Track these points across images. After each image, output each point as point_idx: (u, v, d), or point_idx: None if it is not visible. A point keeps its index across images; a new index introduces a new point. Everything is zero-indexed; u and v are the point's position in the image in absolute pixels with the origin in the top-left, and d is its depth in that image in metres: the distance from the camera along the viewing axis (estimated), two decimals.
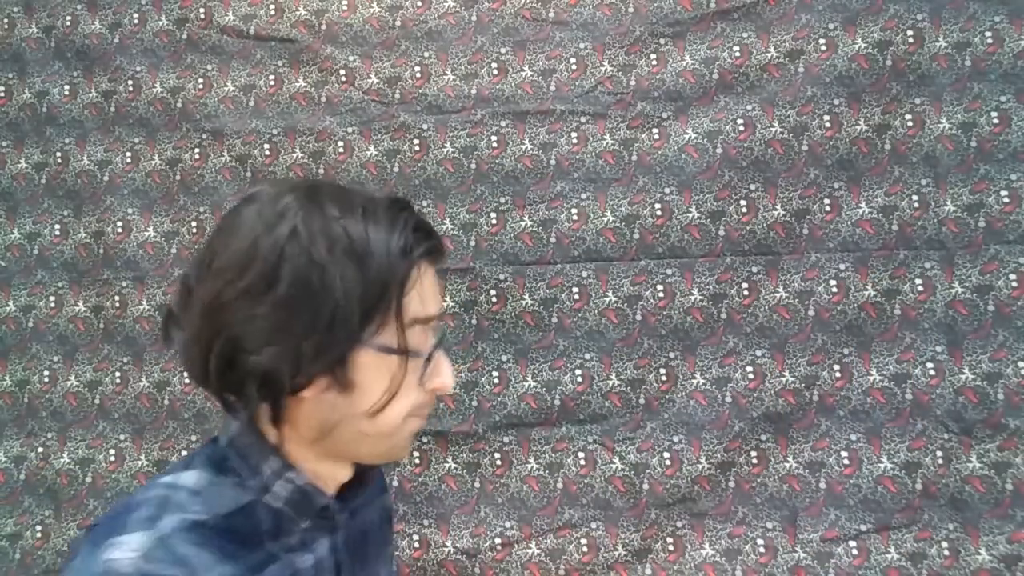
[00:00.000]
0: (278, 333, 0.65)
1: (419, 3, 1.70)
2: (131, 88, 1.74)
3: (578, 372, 1.57)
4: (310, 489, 0.73)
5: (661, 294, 1.57)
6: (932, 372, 1.48)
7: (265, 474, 0.71)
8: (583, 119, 1.63)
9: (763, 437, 1.51)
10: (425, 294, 0.71)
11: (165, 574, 0.61)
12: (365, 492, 0.82)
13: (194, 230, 1.69)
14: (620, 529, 1.52)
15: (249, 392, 0.66)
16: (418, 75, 1.68)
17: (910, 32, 1.55)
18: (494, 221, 1.62)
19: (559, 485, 1.54)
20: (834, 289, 1.52)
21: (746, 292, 1.55)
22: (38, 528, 1.64)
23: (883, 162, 1.54)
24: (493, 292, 1.60)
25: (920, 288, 1.50)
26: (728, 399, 1.53)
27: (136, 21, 1.76)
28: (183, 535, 0.64)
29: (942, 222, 1.51)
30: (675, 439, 1.54)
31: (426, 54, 1.68)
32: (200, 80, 1.73)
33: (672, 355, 1.55)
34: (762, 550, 1.49)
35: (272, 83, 1.71)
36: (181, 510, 0.66)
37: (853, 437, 1.49)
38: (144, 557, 0.61)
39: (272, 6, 1.73)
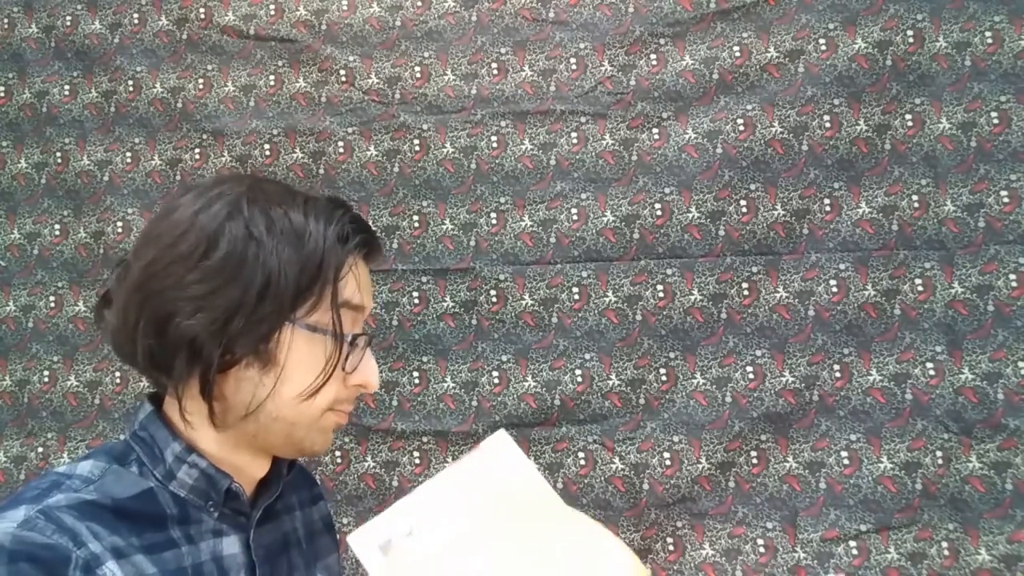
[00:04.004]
0: (209, 301, 0.65)
1: (419, 3, 1.70)
2: (131, 88, 1.74)
3: (578, 372, 1.57)
4: (213, 472, 0.70)
5: (661, 294, 1.57)
6: (932, 372, 1.48)
7: (168, 460, 0.69)
8: (583, 119, 1.63)
9: (763, 437, 1.52)
10: (359, 282, 0.74)
11: (44, 541, 0.59)
12: (283, 493, 0.80)
13: None
14: (620, 529, 1.52)
15: (177, 364, 0.66)
16: (418, 75, 1.68)
17: (910, 32, 1.55)
18: (494, 221, 1.62)
19: (559, 485, 1.54)
20: (834, 289, 1.52)
21: (746, 292, 1.55)
22: None
23: (883, 162, 1.54)
24: (493, 292, 1.60)
25: (920, 288, 1.50)
26: (728, 399, 1.53)
27: (136, 21, 1.76)
28: (70, 509, 0.62)
29: (942, 222, 1.51)
30: (675, 439, 1.54)
31: (426, 54, 1.68)
32: (200, 80, 1.73)
33: (672, 355, 1.55)
34: (762, 550, 1.49)
35: (272, 83, 1.71)
36: (73, 490, 0.64)
37: (853, 437, 1.49)
38: (22, 525, 0.59)
39: (272, 6, 1.73)
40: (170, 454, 0.70)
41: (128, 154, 1.73)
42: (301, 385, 0.69)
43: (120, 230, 1.71)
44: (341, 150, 1.67)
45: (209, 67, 1.73)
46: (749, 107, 1.58)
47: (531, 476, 0.84)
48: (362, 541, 0.70)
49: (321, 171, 1.67)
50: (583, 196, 1.61)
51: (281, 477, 0.79)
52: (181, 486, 0.70)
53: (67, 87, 1.77)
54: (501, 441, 0.83)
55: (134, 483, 0.68)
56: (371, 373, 0.74)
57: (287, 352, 0.68)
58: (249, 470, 0.75)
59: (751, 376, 1.53)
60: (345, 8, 1.72)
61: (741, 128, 1.58)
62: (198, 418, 0.71)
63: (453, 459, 1.58)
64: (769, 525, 1.49)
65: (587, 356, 1.57)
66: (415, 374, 1.61)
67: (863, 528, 1.46)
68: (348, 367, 0.72)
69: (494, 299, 1.60)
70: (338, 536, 0.93)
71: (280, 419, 0.70)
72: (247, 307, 0.65)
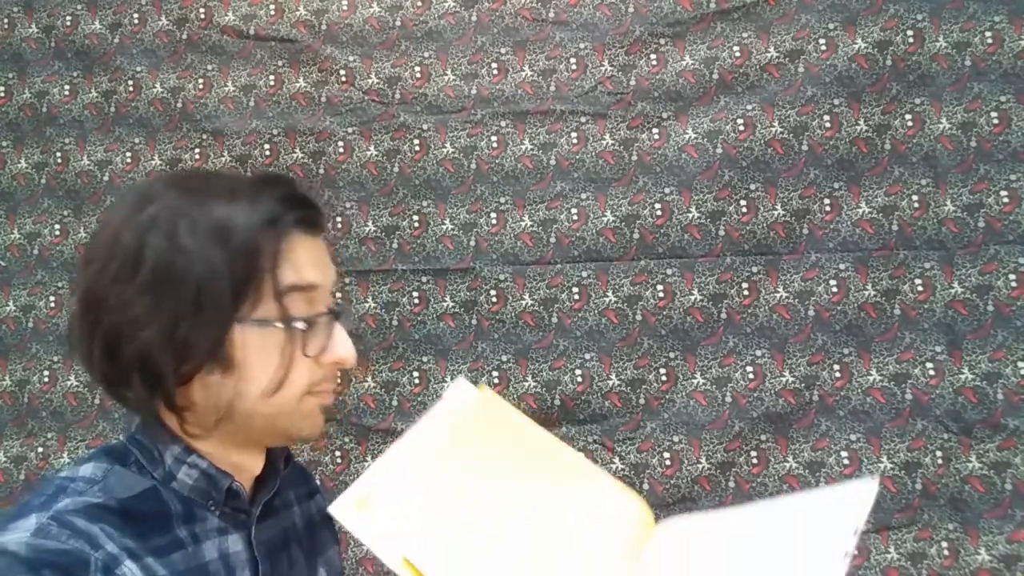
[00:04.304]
0: (149, 318, 0.64)
1: (419, 3, 1.70)
2: (131, 88, 1.74)
3: (578, 372, 1.57)
4: (214, 472, 0.70)
5: (661, 294, 1.57)
6: (932, 372, 1.48)
7: (167, 462, 0.69)
8: (583, 119, 1.63)
9: (763, 437, 1.52)
10: (300, 263, 0.69)
11: (60, 546, 0.58)
12: (280, 489, 0.79)
13: None
14: None
15: (134, 385, 0.66)
16: (418, 75, 1.68)
17: (910, 32, 1.55)
18: (494, 221, 1.62)
19: None
20: (834, 289, 1.52)
21: (746, 292, 1.55)
22: None
23: (883, 162, 1.54)
24: (493, 292, 1.60)
25: (920, 288, 1.50)
26: (728, 399, 1.53)
27: (136, 21, 1.76)
28: (81, 513, 0.62)
29: (942, 222, 1.51)
30: (675, 439, 1.54)
31: (426, 54, 1.68)
32: (200, 80, 1.73)
33: (672, 355, 1.56)
34: None
35: (272, 83, 1.71)
36: (79, 494, 0.64)
37: (853, 437, 1.49)
38: (36, 534, 0.59)
39: (272, 6, 1.73)
40: (169, 456, 0.70)
41: (128, 154, 1.73)
42: (264, 381, 0.67)
43: None
44: (341, 150, 1.67)
45: (209, 67, 1.73)
46: (749, 107, 1.58)
47: (511, 418, 0.83)
48: (340, 504, 0.68)
49: (321, 171, 1.67)
50: (583, 196, 1.61)
51: (278, 473, 0.79)
52: (181, 487, 0.69)
53: (67, 87, 1.77)
54: (462, 389, 0.81)
55: (137, 482, 0.68)
56: (342, 348, 0.71)
57: (243, 351, 0.67)
58: (246, 467, 0.74)
59: (751, 376, 1.53)
60: (345, 8, 1.72)
61: (741, 128, 1.58)
62: (199, 422, 0.70)
63: None
64: None
65: (587, 356, 1.57)
66: (415, 374, 1.61)
67: (863, 528, 1.46)
68: (311, 351, 0.69)
69: (494, 299, 1.60)
70: (338, 533, 0.93)
71: (256, 415, 0.69)
72: (186, 318, 0.64)
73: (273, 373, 0.67)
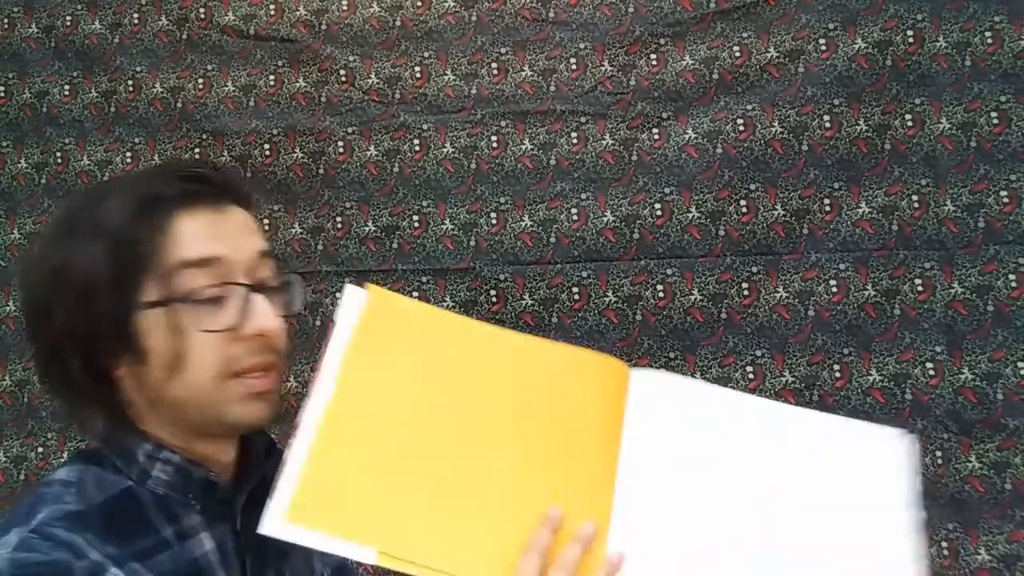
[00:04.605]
0: (59, 331, 0.67)
1: (419, 3, 1.70)
2: (131, 88, 1.74)
3: None
4: (187, 466, 0.69)
5: (661, 294, 1.57)
6: (932, 372, 1.48)
7: (140, 459, 0.69)
8: (583, 119, 1.63)
9: None
10: (189, 238, 0.67)
11: (43, 558, 0.58)
12: (268, 481, 0.75)
13: None
14: None
15: (73, 388, 0.69)
16: (418, 75, 1.68)
17: (910, 32, 1.55)
18: (494, 221, 1.62)
19: None
20: (834, 289, 1.52)
21: (746, 292, 1.55)
22: None
23: (883, 162, 1.54)
24: (493, 292, 1.60)
25: (920, 288, 1.50)
26: None
27: (136, 21, 1.76)
28: (61, 522, 0.62)
29: (942, 222, 1.51)
30: None
31: (426, 54, 1.68)
32: (200, 80, 1.73)
33: (672, 355, 1.56)
34: None
35: (272, 83, 1.71)
36: (56, 501, 0.64)
37: None
38: (18, 548, 0.58)
39: (272, 6, 1.73)
40: (141, 454, 0.69)
41: (128, 154, 1.73)
42: (168, 359, 0.67)
43: None
44: (341, 150, 1.67)
45: (209, 67, 1.73)
46: (749, 107, 1.58)
47: (416, 320, 0.76)
48: (271, 522, 0.63)
49: (321, 171, 1.67)
50: (583, 196, 1.61)
51: (259, 464, 0.76)
52: (158, 484, 0.69)
53: (67, 87, 1.77)
54: (353, 300, 0.73)
55: (113, 483, 0.68)
56: (258, 320, 0.68)
57: (148, 338, 0.66)
58: (218, 458, 0.73)
59: (751, 376, 1.53)
60: (345, 8, 1.72)
61: (741, 128, 1.58)
62: (153, 417, 0.70)
63: None
64: None
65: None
66: None
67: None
68: (206, 325, 0.66)
69: (494, 299, 1.60)
70: None
71: (181, 402, 0.68)
72: (80, 313, 0.66)
73: (171, 354, 0.67)
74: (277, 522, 0.63)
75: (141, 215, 0.67)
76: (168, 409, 0.69)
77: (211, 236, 0.68)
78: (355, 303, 0.73)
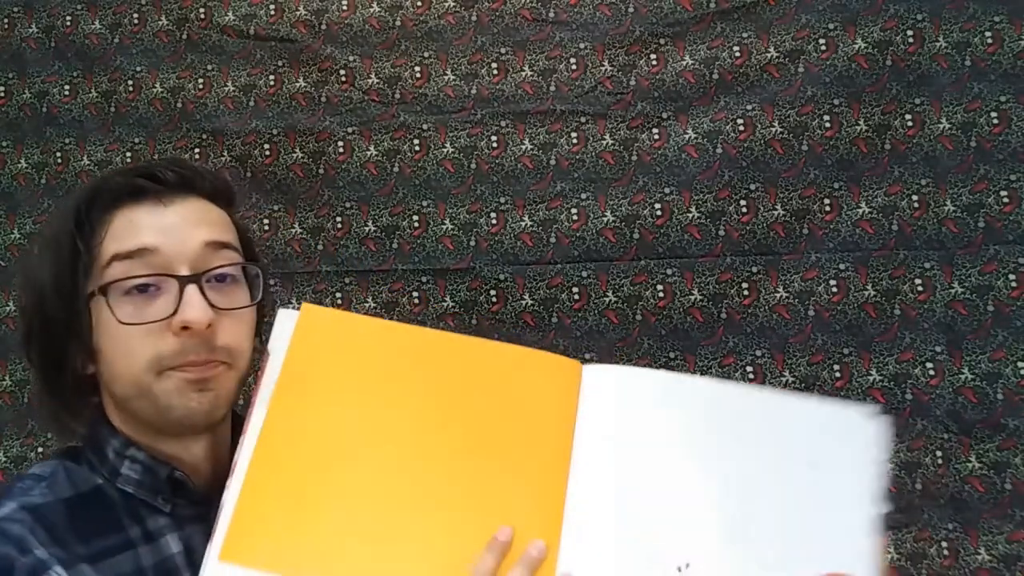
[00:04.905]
0: (27, 333, 0.72)
1: (419, 3, 1.70)
2: (131, 88, 1.74)
3: None
4: (152, 463, 0.69)
5: (661, 294, 1.57)
6: (932, 372, 1.48)
7: (111, 457, 0.69)
8: (583, 119, 1.63)
9: None
10: (123, 231, 0.68)
11: None
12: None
13: None
14: None
15: (50, 392, 0.72)
16: (418, 75, 1.68)
17: (910, 32, 1.55)
18: (494, 221, 1.62)
19: None
20: (834, 289, 1.52)
21: (746, 292, 1.55)
22: None
23: (883, 162, 1.54)
24: (493, 292, 1.60)
25: (920, 288, 1.50)
26: None
27: (136, 21, 1.76)
28: (18, 517, 0.62)
29: (942, 222, 1.51)
30: None
31: (426, 54, 1.68)
32: (200, 80, 1.73)
33: (672, 355, 1.55)
34: None
35: (272, 83, 1.71)
36: (24, 495, 0.65)
37: None
38: None
39: (272, 6, 1.73)
40: (111, 451, 0.70)
41: (128, 154, 1.73)
42: (93, 349, 0.69)
43: None
44: (341, 150, 1.67)
45: (209, 67, 1.73)
46: (749, 107, 1.58)
47: (353, 336, 0.72)
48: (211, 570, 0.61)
49: (321, 171, 1.67)
50: (583, 196, 1.61)
51: (231, 463, 0.75)
52: (127, 482, 0.69)
53: (67, 87, 1.77)
54: (284, 326, 0.70)
55: (85, 480, 0.68)
56: (186, 310, 0.65)
57: (96, 335, 0.68)
58: (185, 458, 0.71)
59: (751, 376, 1.53)
60: (345, 8, 1.72)
61: (741, 128, 1.58)
62: (119, 415, 0.71)
63: None
64: None
65: (587, 356, 1.57)
66: None
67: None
68: (136, 318, 0.65)
69: (494, 299, 1.60)
70: None
71: (127, 397, 0.68)
72: (40, 321, 0.70)
73: (116, 347, 0.67)
74: (213, 564, 0.61)
75: (81, 216, 0.68)
76: (124, 405, 0.70)
77: (147, 228, 0.68)
78: (287, 326, 0.70)
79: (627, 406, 0.70)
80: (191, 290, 0.66)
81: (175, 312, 0.65)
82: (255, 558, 0.61)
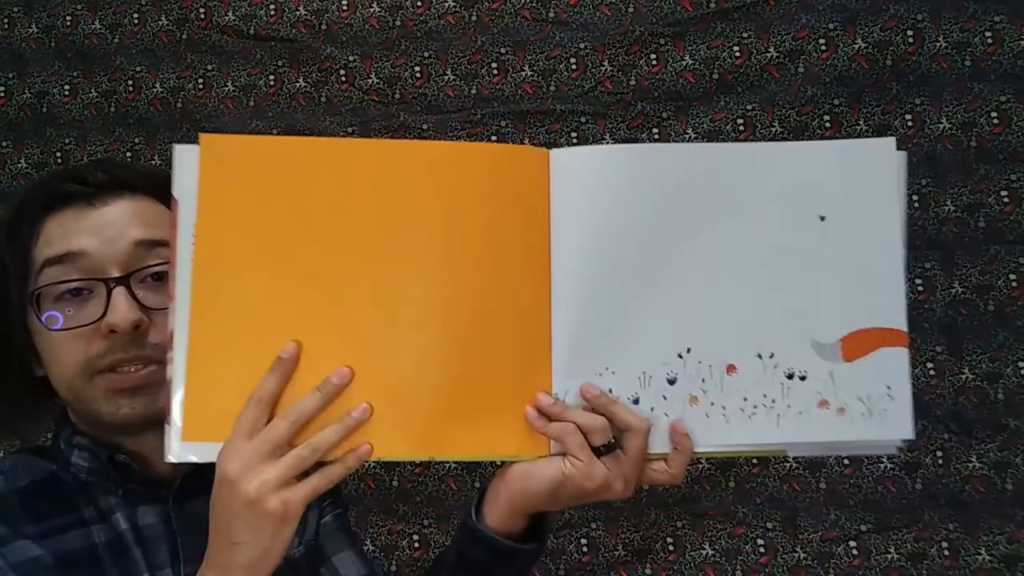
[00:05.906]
0: None
1: (419, 3, 1.70)
2: (131, 88, 1.74)
3: None
4: (95, 447, 0.71)
5: None
6: (932, 372, 1.48)
7: (62, 447, 0.72)
8: (583, 119, 1.63)
9: None
10: (55, 236, 0.68)
11: None
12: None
13: None
14: (620, 529, 1.52)
15: (11, 399, 0.73)
16: (418, 75, 1.68)
17: (910, 32, 1.55)
18: None
19: None
20: None
21: None
22: None
23: None
24: None
25: (920, 288, 1.50)
26: None
27: (136, 21, 1.76)
28: None
29: (942, 222, 1.51)
30: None
31: (426, 54, 1.68)
32: (200, 80, 1.73)
33: None
34: (762, 550, 1.49)
35: (272, 83, 1.71)
36: None
37: None
38: None
39: (272, 6, 1.73)
40: (62, 441, 0.73)
41: (128, 154, 1.73)
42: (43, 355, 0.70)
43: None
44: None
45: (209, 67, 1.73)
46: (749, 107, 1.58)
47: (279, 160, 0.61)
48: (177, 453, 0.59)
49: None
50: None
51: None
52: (80, 470, 0.71)
53: (67, 87, 1.77)
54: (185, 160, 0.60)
55: (41, 468, 0.71)
56: (110, 313, 0.65)
57: (36, 340, 0.70)
58: (140, 449, 0.71)
59: None
60: (345, 8, 1.72)
61: (741, 128, 1.58)
62: (72, 414, 0.74)
63: (454, 461, 1.58)
64: (769, 525, 1.49)
65: None
66: None
67: (863, 528, 1.46)
68: (46, 320, 0.66)
69: None
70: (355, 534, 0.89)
71: (67, 400, 0.71)
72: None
73: (42, 352, 0.70)
74: (178, 446, 0.59)
75: (13, 224, 0.70)
76: (69, 407, 0.73)
77: (77, 232, 0.68)
78: (189, 162, 0.60)
79: (602, 187, 0.63)
80: (118, 292, 0.66)
81: (103, 315, 0.65)
82: (219, 430, 0.57)
